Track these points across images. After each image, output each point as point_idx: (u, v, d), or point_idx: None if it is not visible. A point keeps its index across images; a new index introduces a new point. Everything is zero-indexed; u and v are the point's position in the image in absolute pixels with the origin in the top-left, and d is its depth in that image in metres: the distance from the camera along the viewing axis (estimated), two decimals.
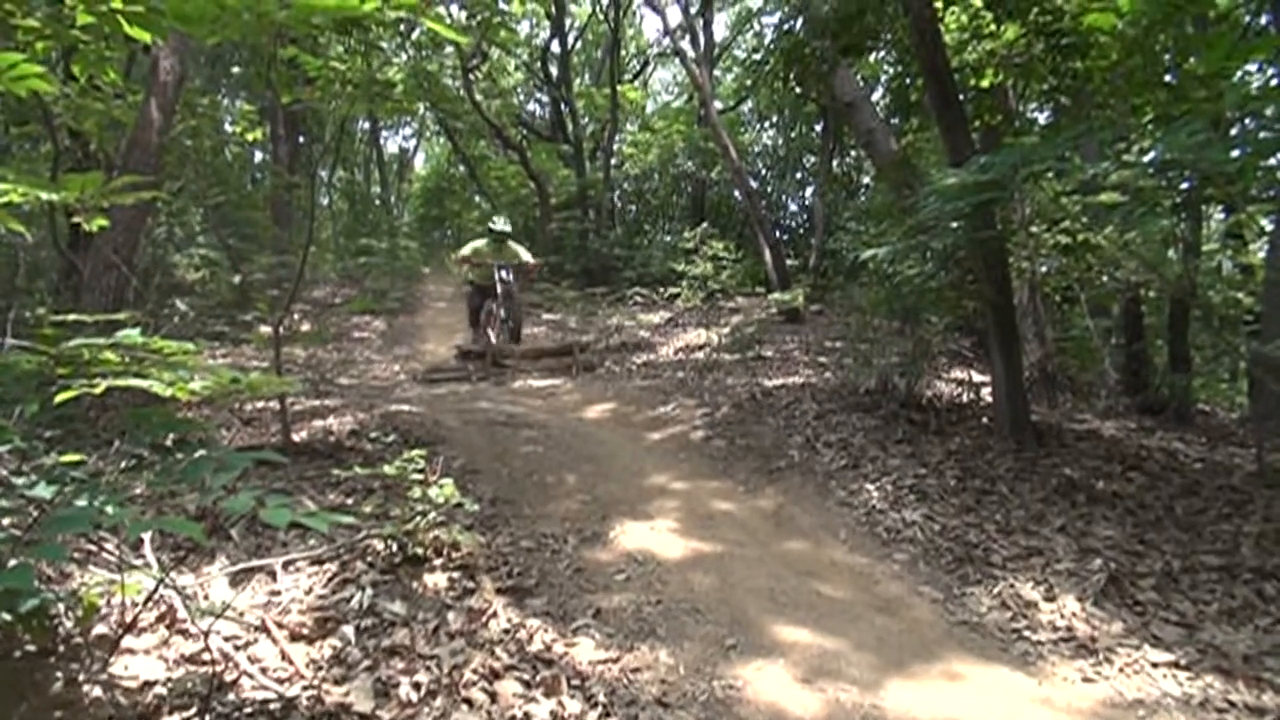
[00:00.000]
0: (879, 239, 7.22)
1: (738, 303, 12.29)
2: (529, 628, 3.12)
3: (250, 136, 8.49)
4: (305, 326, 9.58)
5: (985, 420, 5.89)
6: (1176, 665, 3.04)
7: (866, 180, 15.94)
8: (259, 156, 16.88)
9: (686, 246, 13.15)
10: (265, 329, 5.01)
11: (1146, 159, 4.32)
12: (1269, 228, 7.75)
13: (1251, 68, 5.89)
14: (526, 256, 9.64)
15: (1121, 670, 3.04)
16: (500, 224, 9.61)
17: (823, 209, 14.51)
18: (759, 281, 13.01)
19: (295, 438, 5.00)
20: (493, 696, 2.66)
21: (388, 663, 2.75)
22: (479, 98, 16.57)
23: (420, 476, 3.69)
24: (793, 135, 18.00)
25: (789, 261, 13.50)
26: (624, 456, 5.49)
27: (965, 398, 6.57)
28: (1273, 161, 5.25)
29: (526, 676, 2.79)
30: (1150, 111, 5.46)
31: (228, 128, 11.12)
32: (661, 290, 13.01)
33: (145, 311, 6.47)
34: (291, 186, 12.67)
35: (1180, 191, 4.79)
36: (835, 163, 15.97)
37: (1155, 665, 3.05)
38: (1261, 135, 4.74)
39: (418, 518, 3.52)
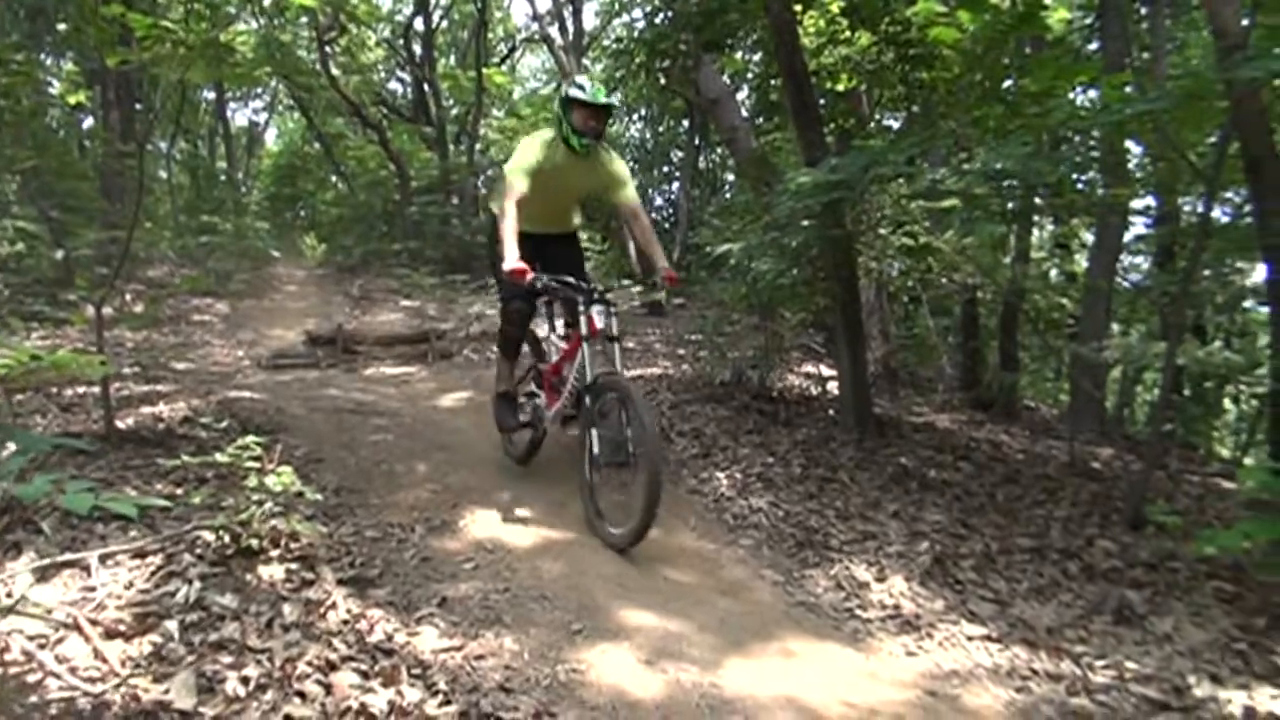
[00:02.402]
0: (739, 235, 7.41)
1: None
2: (370, 618, 3.03)
3: (73, 99, 7.81)
4: (139, 308, 8.99)
5: (831, 412, 6.14)
6: (989, 638, 3.27)
7: (730, 177, 16.30)
8: (89, 123, 15.68)
9: None
10: (90, 309, 4.66)
11: (977, 167, 4.59)
12: (1090, 240, 8.41)
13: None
14: (631, 196, 4.62)
15: (940, 644, 3.24)
16: (597, 91, 4.34)
17: (687, 204, 14.73)
18: (625, 273, 13.09)
19: (120, 425, 4.69)
20: (328, 688, 2.57)
21: (214, 657, 2.62)
22: (336, 72, 15.94)
23: (257, 465, 3.53)
24: (660, 130, 18.16)
25: None
26: (478, 445, 5.42)
27: (814, 391, 6.83)
28: (1091, 176, 5.71)
29: (365, 667, 2.71)
30: (990, 124, 5.82)
31: (52, 89, 10.24)
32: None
33: None
34: (123, 156, 11.79)
35: (1011, 200, 5.12)
36: (701, 159, 16.23)
37: (970, 639, 3.27)
38: (1092, 154, 5.15)
39: (253, 508, 3.36)
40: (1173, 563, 3.87)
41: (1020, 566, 3.90)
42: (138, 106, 13.79)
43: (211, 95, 20.02)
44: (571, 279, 4.27)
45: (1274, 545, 3.59)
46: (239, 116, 24.73)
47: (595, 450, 4.09)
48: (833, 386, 6.52)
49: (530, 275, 4.04)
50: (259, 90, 21.61)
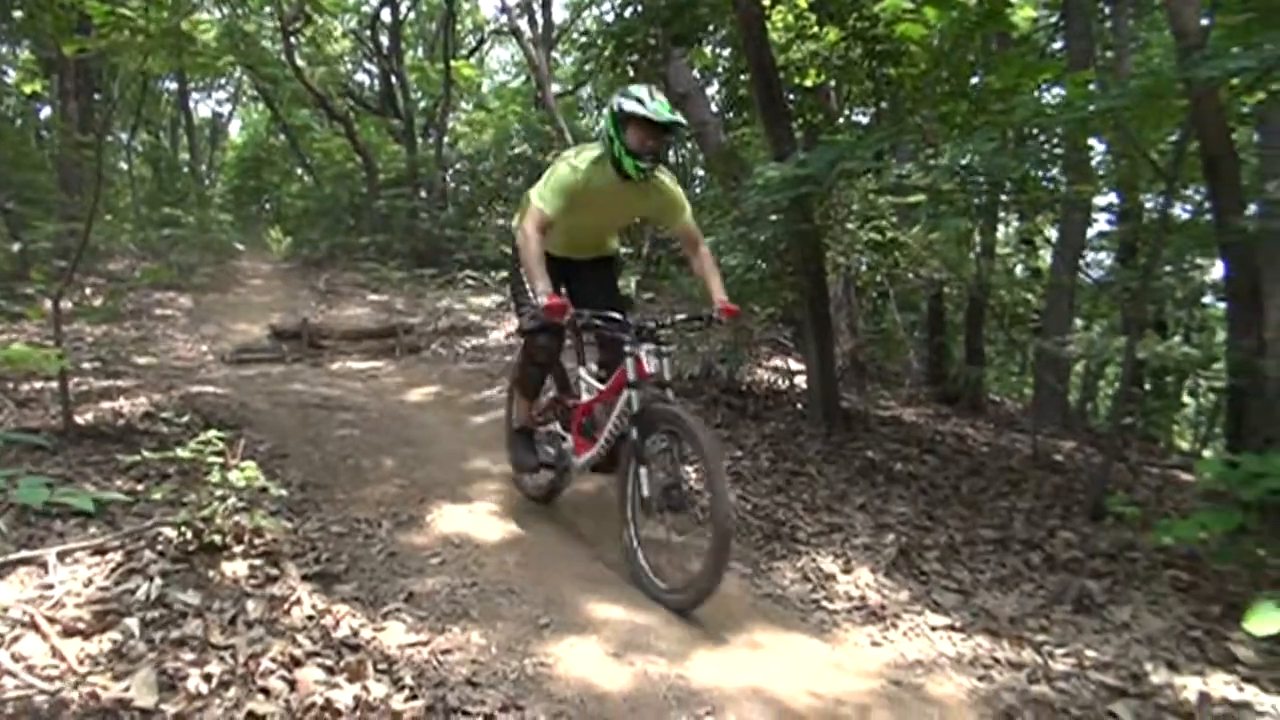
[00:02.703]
0: (708, 230, 7.41)
1: None
2: (336, 613, 3.00)
3: (29, 88, 7.63)
4: (99, 301, 8.83)
5: (799, 406, 6.18)
6: (952, 628, 3.31)
7: (700, 172, 16.30)
8: (47, 112, 15.33)
9: None
10: (48, 303, 4.57)
11: (944, 163, 4.64)
12: (1054, 236, 8.54)
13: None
14: (689, 223, 3.92)
15: (905, 634, 3.28)
16: (661, 105, 3.44)
17: None
18: None
19: (79, 420, 4.60)
20: (292, 685, 2.55)
21: (176, 655, 2.58)
22: (301, 63, 15.73)
23: (219, 460, 3.48)
24: None
25: (624, 249, 13.61)
26: (446, 440, 5.40)
27: (782, 384, 6.87)
28: (1055, 173, 5.79)
29: (330, 662, 2.69)
30: (957, 120, 5.88)
31: (8, 78, 9.99)
32: (494, 274, 12.84)
33: None
34: (82, 146, 11.56)
35: (976, 195, 5.19)
36: (670, 153, 16.25)
37: (934, 629, 3.31)
38: (1056, 151, 5.22)
39: (216, 503, 3.32)
40: (1131, 553, 3.94)
41: (984, 557, 3.96)
42: (96, 96, 13.51)
43: (174, 85, 19.72)
44: (616, 314, 3.60)
45: (1229, 535, 3.67)
46: (202, 107, 24.41)
47: (645, 492, 3.45)
48: (801, 380, 6.57)
49: (569, 312, 3.43)
50: (222, 81, 21.32)
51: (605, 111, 3.59)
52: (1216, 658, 3.08)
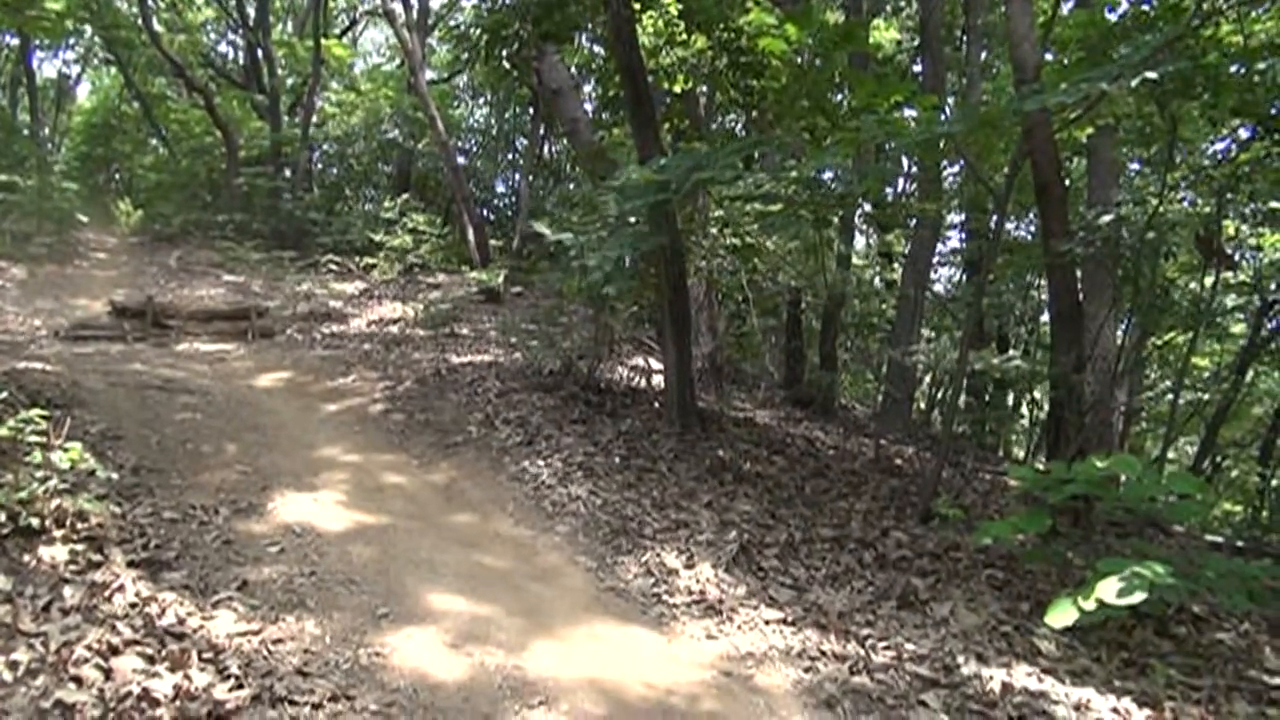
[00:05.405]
0: (577, 226, 7.43)
1: (438, 279, 12.12)
2: (162, 601, 2.89)
3: None
4: None
5: (656, 404, 6.29)
6: (785, 621, 3.46)
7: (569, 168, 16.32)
8: None
9: (387, 216, 12.75)
10: None
11: (795, 175, 4.82)
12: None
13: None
14: None
15: (740, 628, 3.40)
16: None
17: (529, 192, 14.66)
18: (463, 259, 12.89)
19: None
20: (108, 673, 2.45)
21: None
22: (159, 29, 14.84)
23: (42, 439, 3.30)
24: (506, 116, 17.96)
25: (494, 242, 13.48)
26: (294, 427, 5.24)
27: (641, 383, 6.97)
28: (904, 189, 6.11)
29: (151, 651, 2.59)
30: (817, 134, 6.11)
31: None
32: (359, 260, 12.50)
33: None
34: None
35: (825, 206, 5.41)
36: (545, 148, 16.20)
37: (768, 622, 3.45)
38: (913, 169, 5.51)
39: (35, 485, 3.14)
40: (955, 553, 4.22)
41: (820, 555, 4.14)
42: None
43: (14, 41, 18.20)
44: None
45: (1040, 537, 3.98)
46: (47, 66, 22.62)
47: None
48: (659, 380, 6.68)
49: None
50: (71, 40, 19.81)
51: None
52: (1022, 651, 3.34)
